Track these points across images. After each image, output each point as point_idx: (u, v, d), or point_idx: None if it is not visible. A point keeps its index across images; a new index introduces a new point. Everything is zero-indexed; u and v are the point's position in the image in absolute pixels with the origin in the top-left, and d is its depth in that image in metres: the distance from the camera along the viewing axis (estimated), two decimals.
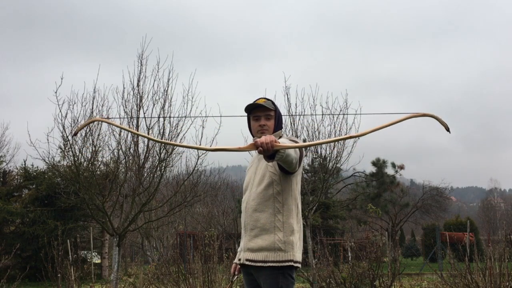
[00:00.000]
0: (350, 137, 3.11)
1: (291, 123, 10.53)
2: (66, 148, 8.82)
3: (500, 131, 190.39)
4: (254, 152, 3.24)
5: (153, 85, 9.08)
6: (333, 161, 10.61)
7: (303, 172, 12.57)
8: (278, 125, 3.20)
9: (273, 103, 3.19)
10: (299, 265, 2.96)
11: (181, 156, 9.77)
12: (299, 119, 10.55)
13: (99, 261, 18.35)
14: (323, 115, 10.53)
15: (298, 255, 2.93)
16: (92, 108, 8.73)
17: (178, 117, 8.92)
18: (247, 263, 2.98)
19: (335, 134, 10.66)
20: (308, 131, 10.57)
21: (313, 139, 10.43)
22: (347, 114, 10.02)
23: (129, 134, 9.00)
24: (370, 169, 24.69)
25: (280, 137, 3.15)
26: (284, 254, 2.88)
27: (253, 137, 3.21)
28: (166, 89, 9.09)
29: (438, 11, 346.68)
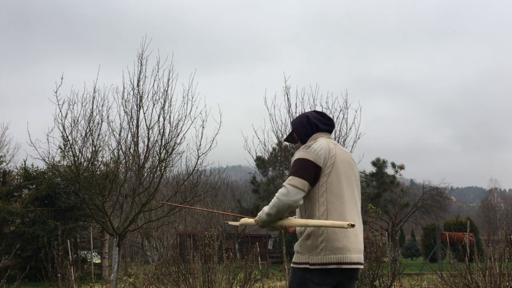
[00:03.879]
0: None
1: (291, 123, 10.55)
2: (66, 148, 8.82)
3: (498, 130, 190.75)
4: None
5: (153, 85, 9.09)
6: None
7: None
8: (300, 138, 3.33)
9: (293, 124, 3.40)
10: (319, 267, 2.97)
11: (181, 156, 9.77)
12: None
13: (99, 261, 18.34)
14: None
15: (317, 258, 2.97)
16: (92, 108, 8.74)
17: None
18: None
19: (335, 134, 10.67)
20: None
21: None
22: None
23: (129, 134, 9.01)
24: (370, 169, 24.64)
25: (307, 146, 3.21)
26: (301, 256, 3.06)
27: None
28: (166, 89, 9.10)
29: (435, 12, 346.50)
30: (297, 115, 10.64)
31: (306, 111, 10.82)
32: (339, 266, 2.96)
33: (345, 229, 2.97)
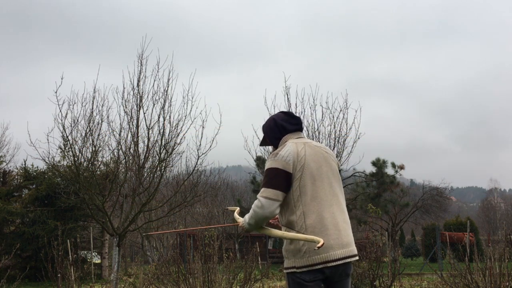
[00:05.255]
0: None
1: (262, 128, 10.53)
2: (66, 148, 8.82)
3: (498, 130, 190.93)
4: None
5: (153, 85, 9.08)
6: None
7: None
8: (271, 142, 3.37)
9: (263, 129, 3.43)
10: (306, 269, 3.02)
11: (181, 156, 9.77)
12: None
13: (99, 261, 18.35)
14: (323, 115, 10.54)
15: (302, 261, 3.02)
16: (92, 108, 8.74)
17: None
18: None
19: (335, 134, 10.66)
20: (308, 131, 10.58)
21: (313, 138, 10.45)
22: None
23: (129, 134, 9.01)
24: (370, 169, 24.62)
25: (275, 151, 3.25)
26: (288, 261, 3.11)
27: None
28: (166, 89, 9.10)
29: (435, 12, 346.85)
30: (298, 115, 10.68)
31: (306, 111, 10.89)
32: (325, 265, 2.99)
33: (325, 227, 3.01)
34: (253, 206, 3.07)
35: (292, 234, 3.00)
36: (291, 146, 3.12)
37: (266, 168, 3.12)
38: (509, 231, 11.43)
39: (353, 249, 3.12)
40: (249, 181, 24.27)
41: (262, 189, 3.05)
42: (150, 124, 9.00)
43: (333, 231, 3.03)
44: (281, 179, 3.02)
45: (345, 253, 3.05)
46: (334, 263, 3.01)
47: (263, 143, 3.50)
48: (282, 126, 3.27)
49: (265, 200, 3.01)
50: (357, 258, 3.15)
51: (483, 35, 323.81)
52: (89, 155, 8.76)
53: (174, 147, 9.17)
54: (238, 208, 3.61)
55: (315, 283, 3.03)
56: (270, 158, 3.13)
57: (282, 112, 3.41)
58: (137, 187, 9.02)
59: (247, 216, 3.14)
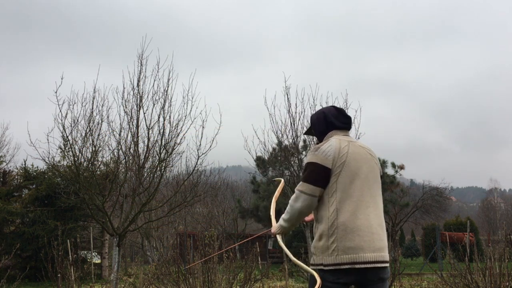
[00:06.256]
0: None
1: (291, 123, 10.54)
2: (66, 148, 8.82)
3: (498, 130, 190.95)
4: None
5: (153, 85, 9.07)
6: None
7: None
8: (317, 135, 3.36)
9: (311, 120, 3.42)
10: (332, 267, 2.95)
11: (181, 156, 9.76)
12: (299, 119, 10.54)
13: (99, 261, 18.34)
14: None
15: (330, 259, 2.95)
16: (92, 108, 8.73)
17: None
18: None
19: None
20: None
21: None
22: None
23: (129, 134, 9.00)
24: None
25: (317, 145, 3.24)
26: (316, 257, 3.06)
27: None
28: (166, 89, 9.09)
29: (435, 12, 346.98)
30: (297, 115, 10.67)
31: (306, 110, 10.86)
32: (353, 266, 2.91)
33: (357, 228, 2.94)
34: (290, 200, 3.09)
35: (298, 262, 3.10)
36: (334, 141, 3.09)
37: (306, 161, 3.10)
38: (509, 231, 11.42)
39: (385, 255, 3.02)
40: (249, 181, 24.29)
41: (300, 183, 3.05)
42: (150, 124, 9.00)
43: (366, 232, 2.95)
44: (318, 175, 3.00)
45: (375, 257, 2.95)
46: (363, 266, 2.92)
47: (308, 132, 3.50)
48: (331, 122, 3.24)
49: (301, 194, 3.01)
50: (387, 264, 3.04)
51: (483, 35, 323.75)
52: (89, 155, 8.75)
53: (174, 147, 9.17)
54: (282, 180, 3.56)
55: (337, 285, 2.95)
56: (310, 152, 3.11)
57: (334, 107, 3.38)
58: (137, 187, 9.01)
59: (284, 214, 3.15)
